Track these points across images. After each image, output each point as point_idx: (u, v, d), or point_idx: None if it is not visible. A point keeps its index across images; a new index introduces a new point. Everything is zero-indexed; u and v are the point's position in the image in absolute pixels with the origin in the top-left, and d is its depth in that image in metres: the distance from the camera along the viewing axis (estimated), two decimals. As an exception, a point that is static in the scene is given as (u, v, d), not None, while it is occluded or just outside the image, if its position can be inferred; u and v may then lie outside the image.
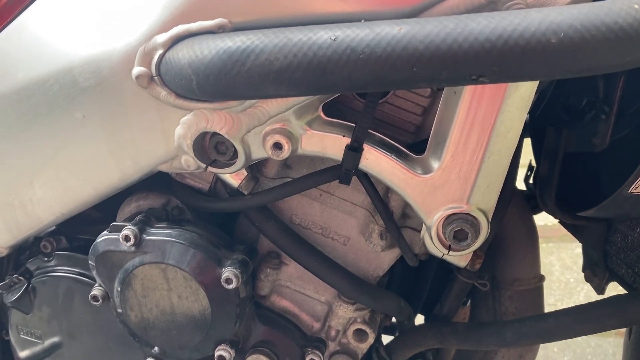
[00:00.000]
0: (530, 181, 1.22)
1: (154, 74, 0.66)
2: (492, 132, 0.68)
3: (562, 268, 2.79)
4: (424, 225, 0.76)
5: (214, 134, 0.71)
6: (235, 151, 0.72)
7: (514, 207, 1.08)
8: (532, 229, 1.13)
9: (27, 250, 1.00)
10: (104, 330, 0.95)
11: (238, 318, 0.84)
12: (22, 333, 0.99)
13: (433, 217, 0.73)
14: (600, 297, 0.98)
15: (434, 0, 0.61)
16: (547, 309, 1.05)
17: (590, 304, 0.88)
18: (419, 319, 1.18)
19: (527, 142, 1.17)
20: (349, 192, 0.86)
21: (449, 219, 0.73)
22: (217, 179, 0.85)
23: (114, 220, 0.89)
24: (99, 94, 0.72)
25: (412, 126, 0.80)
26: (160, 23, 0.66)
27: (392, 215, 0.83)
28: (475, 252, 0.83)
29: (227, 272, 0.79)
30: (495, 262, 1.10)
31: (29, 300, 0.96)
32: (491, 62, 0.52)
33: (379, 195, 0.80)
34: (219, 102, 0.68)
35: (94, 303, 0.87)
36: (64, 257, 0.96)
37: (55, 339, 0.98)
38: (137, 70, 0.66)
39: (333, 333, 0.94)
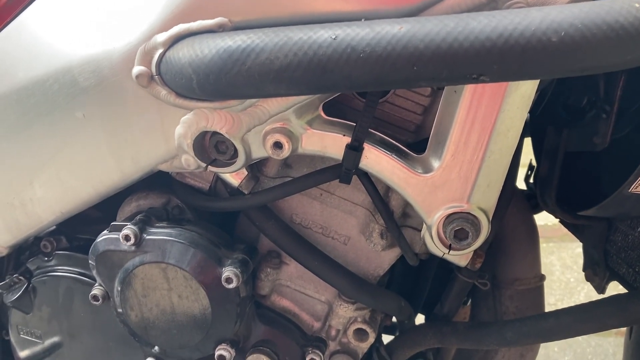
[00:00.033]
0: (531, 180, 1.21)
1: (154, 73, 0.66)
2: (493, 131, 0.68)
3: (562, 267, 2.78)
4: (424, 225, 0.76)
5: (214, 133, 0.71)
6: (236, 150, 0.72)
7: (515, 206, 1.08)
8: (532, 228, 1.13)
9: (27, 250, 1.00)
10: (104, 330, 0.95)
11: (238, 317, 0.84)
12: (22, 333, 0.99)
13: (433, 216, 0.73)
14: (601, 296, 0.97)
15: (434, -1, 0.61)
16: (548, 308, 1.05)
17: (590, 303, 0.88)
18: (420, 319, 1.18)
19: (528, 141, 1.17)
20: (349, 191, 0.86)
21: (450, 218, 0.73)
22: (218, 179, 0.85)
23: (114, 220, 0.89)
24: (99, 94, 0.72)
25: (413, 125, 0.80)
26: (160, 22, 0.66)
27: (392, 214, 0.83)
28: (475, 251, 0.83)
29: (228, 271, 0.79)
30: (495, 262, 1.09)
31: (29, 300, 0.96)
32: (492, 61, 0.51)
33: (380, 195, 0.80)
34: (219, 102, 0.68)
35: (94, 303, 0.87)
36: (64, 257, 0.96)
37: (55, 339, 0.98)
38: (137, 69, 0.66)
39: (333, 332, 0.94)
